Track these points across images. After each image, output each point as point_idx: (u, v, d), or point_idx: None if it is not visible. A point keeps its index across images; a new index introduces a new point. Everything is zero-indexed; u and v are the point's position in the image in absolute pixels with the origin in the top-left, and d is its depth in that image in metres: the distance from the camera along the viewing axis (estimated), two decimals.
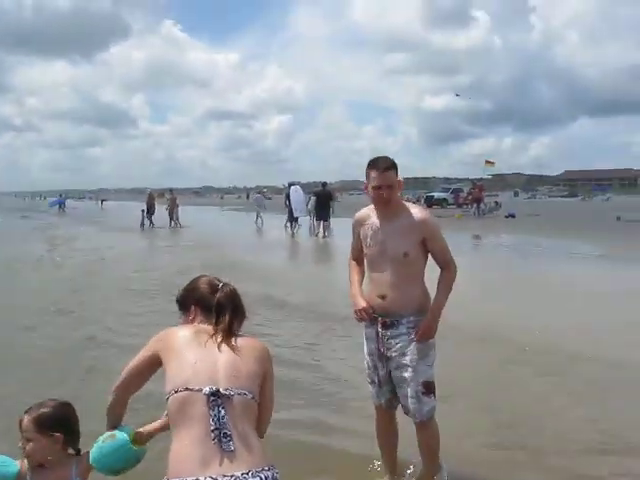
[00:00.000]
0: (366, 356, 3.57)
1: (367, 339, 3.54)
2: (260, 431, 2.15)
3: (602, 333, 7.10)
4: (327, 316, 8.04)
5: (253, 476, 1.89)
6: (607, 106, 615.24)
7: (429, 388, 3.38)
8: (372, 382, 3.57)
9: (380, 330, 3.42)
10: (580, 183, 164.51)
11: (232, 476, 1.85)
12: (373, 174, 3.34)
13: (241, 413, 2.02)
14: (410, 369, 3.36)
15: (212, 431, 1.92)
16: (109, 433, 2.28)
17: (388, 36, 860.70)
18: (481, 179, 45.51)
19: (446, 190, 54.35)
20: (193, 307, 2.39)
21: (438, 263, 3.48)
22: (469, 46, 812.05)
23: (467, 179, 66.15)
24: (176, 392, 2.02)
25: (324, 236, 20.87)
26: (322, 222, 21.30)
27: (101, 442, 2.26)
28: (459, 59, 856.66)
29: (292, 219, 23.06)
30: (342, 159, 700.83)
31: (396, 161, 3.42)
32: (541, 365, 5.89)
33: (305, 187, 30.87)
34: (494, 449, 4.14)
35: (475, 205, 35.59)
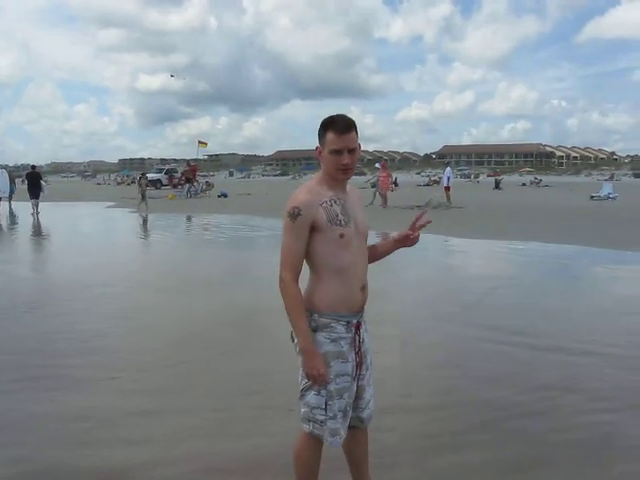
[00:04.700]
0: (335, 383, 2.57)
1: (337, 358, 2.57)
2: None
3: None
4: None
5: None
6: (316, 89, 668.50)
7: None
8: (336, 414, 2.59)
9: (357, 336, 2.65)
10: (291, 162, 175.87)
11: None
12: (331, 136, 2.54)
13: None
14: (371, 368, 2.80)
15: None
16: None
17: (101, 12, 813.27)
18: (196, 160, 46.60)
19: (160, 171, 54.12)
20: None
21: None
22: (185, 26, 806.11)
23: (184, 160, 66.94)
24: None
25: (37, 212, 22.44)
26: (35, 200, 23.10)
27: None
28: (175, 39, 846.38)
29: None
30: (53, 140, 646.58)
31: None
32: None
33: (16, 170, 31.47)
34: None
35: (187, 186, 36.40)
